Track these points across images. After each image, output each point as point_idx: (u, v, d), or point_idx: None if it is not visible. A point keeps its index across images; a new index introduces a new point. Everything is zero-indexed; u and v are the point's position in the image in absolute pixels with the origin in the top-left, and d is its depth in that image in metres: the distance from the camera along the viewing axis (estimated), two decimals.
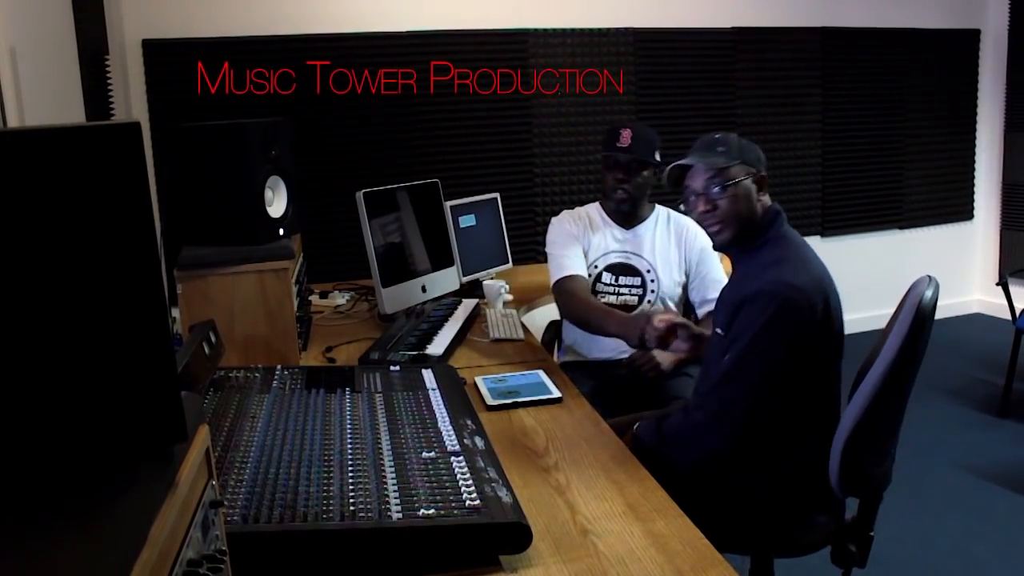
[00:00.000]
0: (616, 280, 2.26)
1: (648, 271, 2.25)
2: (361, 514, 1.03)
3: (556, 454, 1.39)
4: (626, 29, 3.77)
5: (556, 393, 1.65)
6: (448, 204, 2.56)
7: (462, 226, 2.61)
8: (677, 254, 2.26)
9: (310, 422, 1.31)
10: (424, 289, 2.30)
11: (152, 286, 0.68)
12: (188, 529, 0.69)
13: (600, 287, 2.26)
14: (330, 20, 3.40)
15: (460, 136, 3.62)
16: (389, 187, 2.28)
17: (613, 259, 2.27)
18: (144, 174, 0.68)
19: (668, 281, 2.24)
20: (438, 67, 3.52)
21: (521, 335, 2.13)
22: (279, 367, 1.59)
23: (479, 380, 1.73)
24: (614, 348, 2.20)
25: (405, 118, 3.52)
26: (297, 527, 1.00)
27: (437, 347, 1.93)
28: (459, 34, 3.56)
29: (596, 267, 2.26)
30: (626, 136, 2.19)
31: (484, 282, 2.52)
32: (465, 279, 2.55)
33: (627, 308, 2.21)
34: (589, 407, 1.61)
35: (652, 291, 2.23)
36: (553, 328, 2.54)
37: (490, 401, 1.62)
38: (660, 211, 2.33)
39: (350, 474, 1.13)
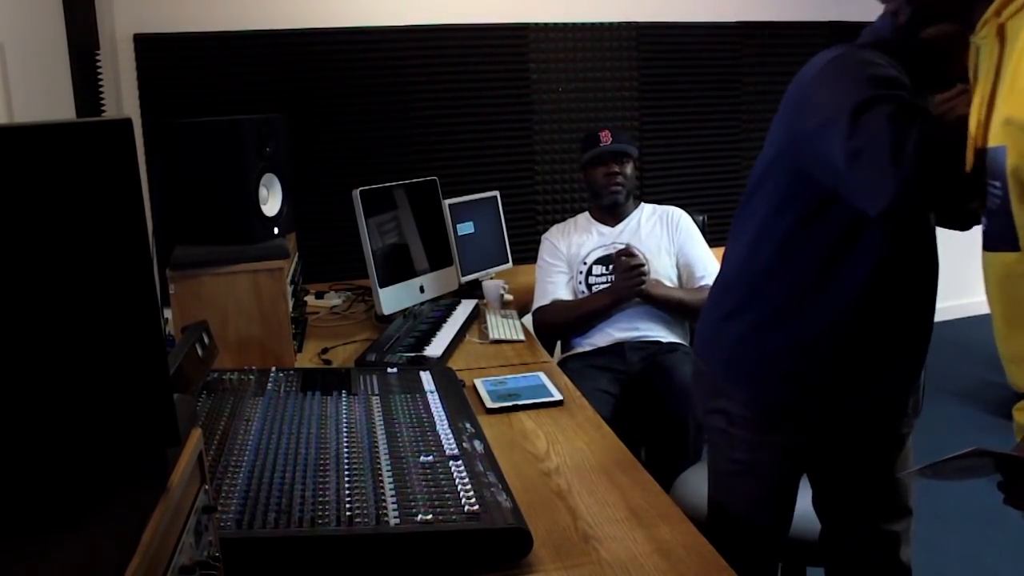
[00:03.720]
0: (609, 270, 2.33)
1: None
2: (358, 519, 1.01)
3: (557, 458, 1.37)
4: (628, 23, 3.76)
5: (557, 395, 1.63)
6: (447, 203, 2.54)
7: (460, 234, 2.59)
8: (666, 238, 2.38)
9: (305, 425, 1.29)
10: (422, 289, 2.28)
11: (144, 286, 0.68)
12: (181, 535, 0.68)
13: (593, 279, 2.35)
14: (326, 14, 3.38)
15: (459, 133, 3.60)
16: (386, 185, 2.27)
17: (602, 252, 2.38)
18: (136, 172, 0.67)
19: (660, 264, 2.33)
20: (437, 62, 3.50)
21: (521, 336, 2.11)
22: (274, 369, 1.57)
23: (478, 382, 1.71)
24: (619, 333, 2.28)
25: (403, 114, 3.50)
26: (293, 532, 0.99)
27: (435, 349, 1.91)
28: (458, 29, 3.54)
29: (585, 263, 2.37)
30: (605, 135, 2.39)
31: (483, 282, 2.51)
32: (464, 279, 2.53)
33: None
34: (591, 410, 1.59)
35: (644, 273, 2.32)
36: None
37: (489, 404, 1.60)
38: (644, 206, 2.48)
39: (347, 479, 1.11)
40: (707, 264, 2.34)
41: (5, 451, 0.65)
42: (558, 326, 2.36)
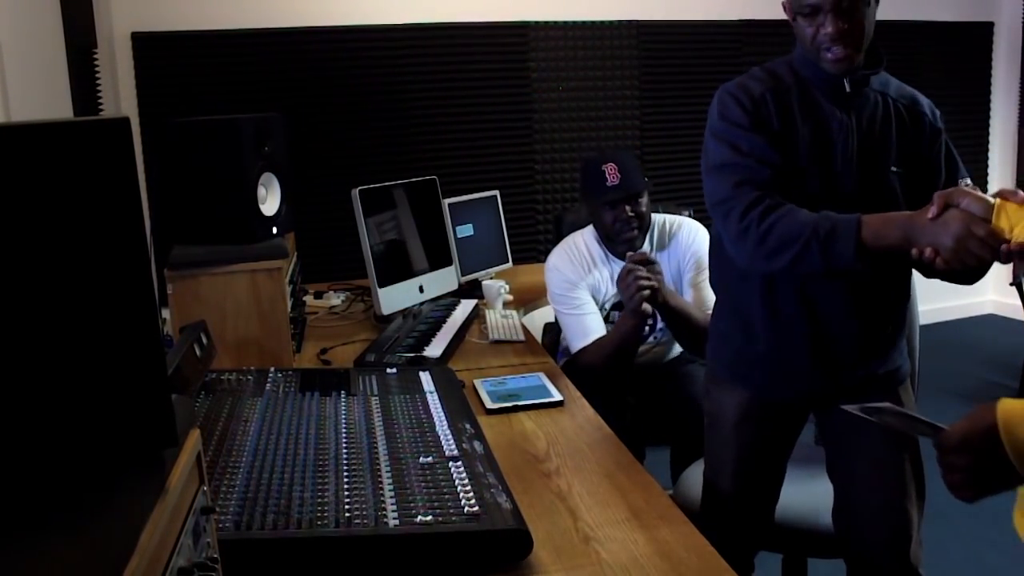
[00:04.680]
0: None
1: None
2: (357, 521, 1.01)
3: (557, 459, 1.36)
4: (630, 22, 3.75)
5: (557, 396, 1.63)
6: (446, 202, 2.54)
7: (459, 237, 2.58)
8: (677, 270, 2.17)
9: (304, 426, 1.29)
10: (422, 289, 2.28)
11: (142, 286, 0.67)
12: (178, 536, 0.68)
13: (610, 327, 2.14)
14: (324, 13, 3.37)
15: (459, 132, 3.60)
16: (386, 184, 2.26)
17: (619, 297, 2.12)
18: (133, 171, 0.67)
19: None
20: (436, 61, 3.50)
21: (521, 337, 2.10)
22: (272, 369, 1.56)
23: (478, 383, 1.71)
24: None
25: (402, 113, 3.50)
26: (291, 534, 0.98)
27: (435, 349, 1.91)
28: (458, 27, 3.53)
29: (604, 308, 2.16)
30: (613, 172, 2.04)
31: (483, 282, 2.50)
32: (464, 279, 2.52)
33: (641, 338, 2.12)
34: (591, 410, 1.58)
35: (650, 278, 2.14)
36: (551, 330, 2.52)
37: (489, 404, 1.60)
38: (654, 223, 2.21)
39: (345, 480, 1.11)
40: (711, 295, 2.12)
41: (2, 452, 0.65)
42: (600, 368, 2.04)
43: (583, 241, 2.20)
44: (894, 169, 1.41)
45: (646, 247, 2.17)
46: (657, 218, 2.21)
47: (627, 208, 2.05)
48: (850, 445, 1.50)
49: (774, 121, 1.39)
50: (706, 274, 2.04)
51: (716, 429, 1.58)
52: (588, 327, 2.08)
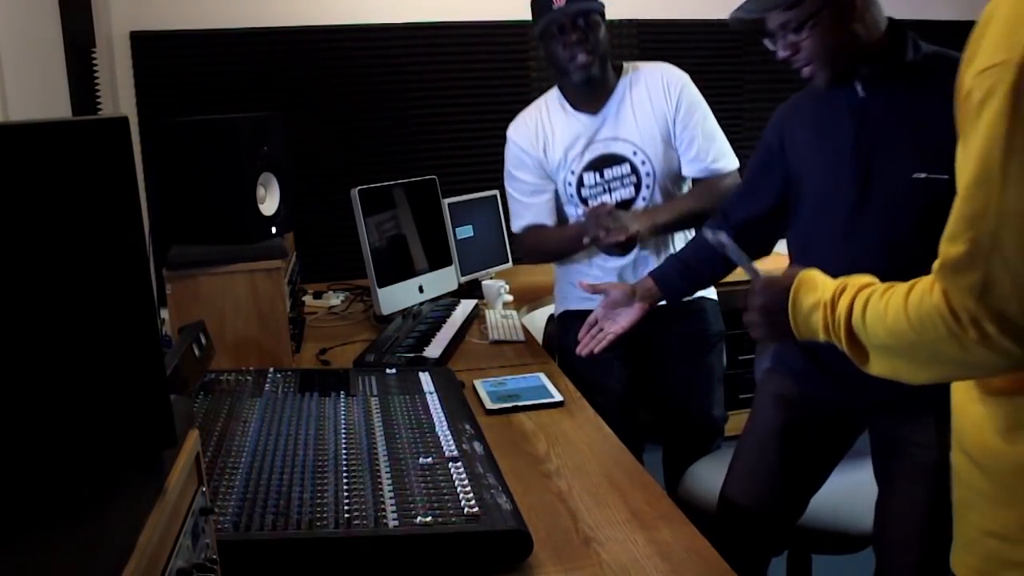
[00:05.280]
0: (602, 177, 1.96)
1: (635, 153, 1.94)
2: (356, 521, 1.01)
3: (557, 459, 1.36)
4: (630, 21, 3.74)
5: (557, 396, 1.62)
6: (446, 202, 2.53)
7: (458, 238, 2.58)
8: (661, 118, 1.95)
9: (303, 426, 1.29)
10: (421, 289, 2.27)
11: (140, 286, 0.67)
12: (177, 537, 0.68)
13: (586, 191, 1.97)
14: (324, 12, 3.37)
15: (458, 132, 3.59)
16: (385, 184, 2.26)
17: (590, 156, 1.95)
18: (132, 171, 0.67)
19: (660, 157, 1.94)
20: (436, 60, 3.49)
21: (521, 337, 2.10)
22: (271, 370, 1.56)
23: (478, 383, 1.71)
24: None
25: (402, 113, 3.49)
26: (291, 535, 0.98)
27: (435, 349, 1.91)
28: (458, 26, 3.52)
29: (574, 172, 1.97)
30: None
31: (483, 282, 2.50)
32: (464, 279, 2.52)
33: (625, 204, 1.94)
34: (591, 411, 1.58)
35: (647, 173, 1.95)
36: (554, 321, 2.49)
37: (489, 405, 1.59)
38: (630, 73, 2.00)
39: (345, 480, 1.11)
40: (715, 143, 1.94)
41: (1, 453, 0.64)
42: (538, 257, 2.19)
43: (544, 100, 2.05)
44: (921, 175, 1.23)
45: (620, 94, 1.95)
46: (629, 63, 2.05)
47: (575, 34, 1.86)
48: (886, 470, 1.43)
49: (776, 142, 1.51)
50: (700, 112, 1.99)
51: (747, 427, 1.59)
52: (526, 212, 2.05)
